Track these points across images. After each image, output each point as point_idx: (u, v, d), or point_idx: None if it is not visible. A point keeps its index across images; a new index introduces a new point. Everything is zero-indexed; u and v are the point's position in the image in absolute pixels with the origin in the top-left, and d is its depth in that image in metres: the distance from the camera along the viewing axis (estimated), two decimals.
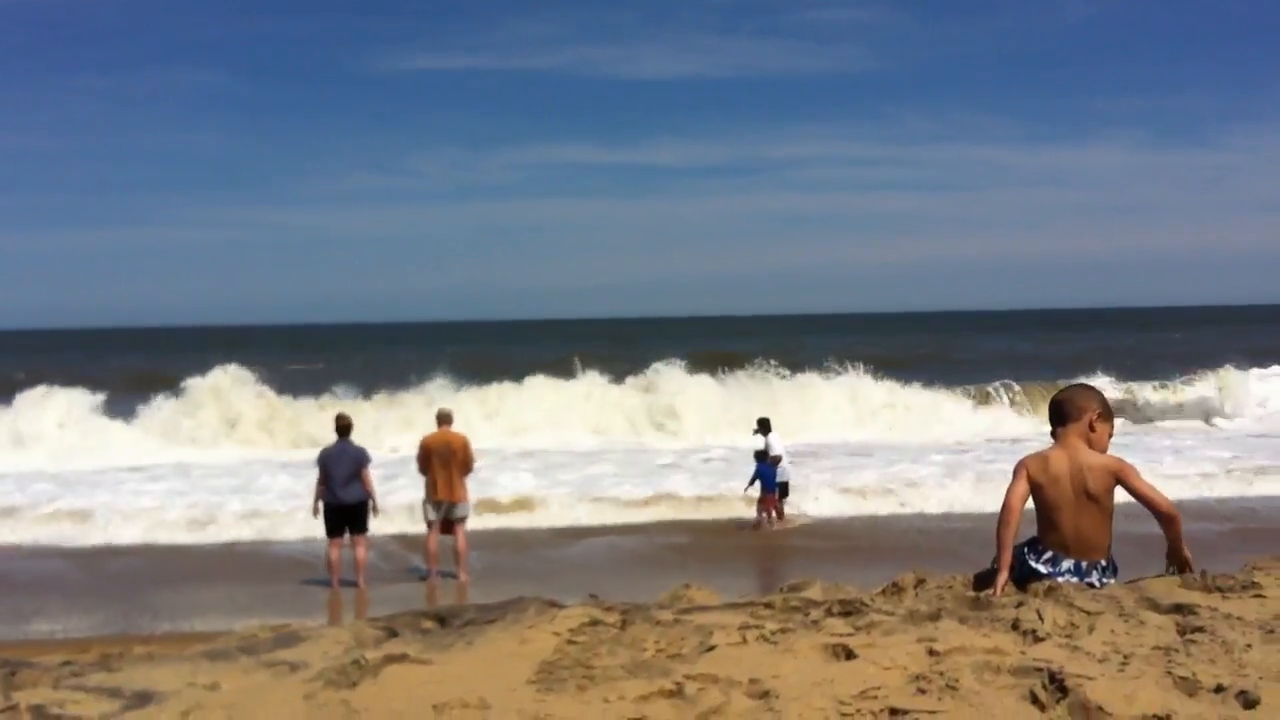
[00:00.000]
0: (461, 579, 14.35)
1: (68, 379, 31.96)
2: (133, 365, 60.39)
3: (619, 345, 70.88)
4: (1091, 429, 4.95)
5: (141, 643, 5.52)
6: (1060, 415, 5.01)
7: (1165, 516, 4.83)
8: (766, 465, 18.22)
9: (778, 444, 18.48)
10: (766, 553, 16.81)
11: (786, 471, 18.46)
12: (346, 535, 14.10)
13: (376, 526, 14.63)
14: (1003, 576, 4.85)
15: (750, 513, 18.25)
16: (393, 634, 4.72)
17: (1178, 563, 4.87)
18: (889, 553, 15.61)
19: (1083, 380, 6.35)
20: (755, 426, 18.92)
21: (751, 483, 18.34)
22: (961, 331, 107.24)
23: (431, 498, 14.42)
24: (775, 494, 18.13)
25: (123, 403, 30.53)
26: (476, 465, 14.92)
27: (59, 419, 28.44)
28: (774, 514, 18.04)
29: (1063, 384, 7.11)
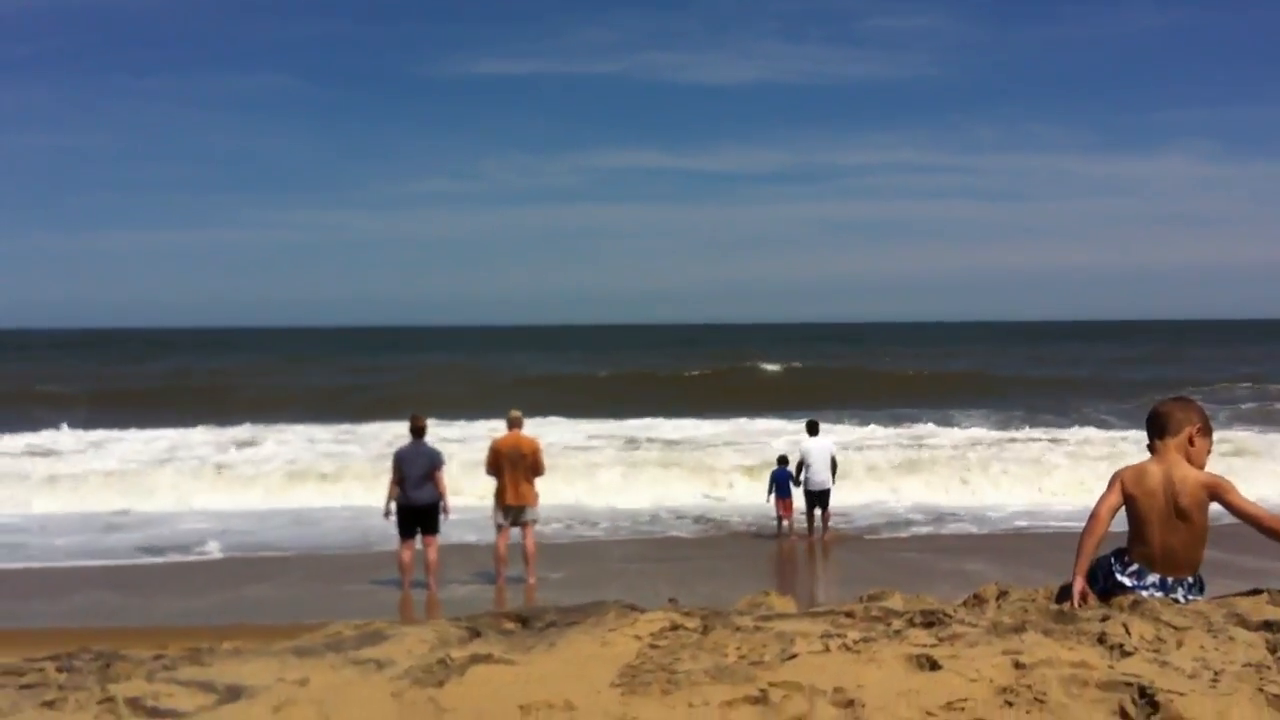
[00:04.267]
0: (530, 582, 14.43)
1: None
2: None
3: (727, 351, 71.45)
4: (1191, 443, 4.89)
5: (228, 637, 5.61)
6: (1159, 428, 4.94)
7: (1271, 531, 4.78)
8: (782, 470, 18.11)
9: (817, 448, 18.10)
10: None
11: (823, 479, 17.93)
12: (418, 536, 14.24)
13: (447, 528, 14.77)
14: (1078, 584, 4.80)
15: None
16: (476, 634, 4.76)
17: None
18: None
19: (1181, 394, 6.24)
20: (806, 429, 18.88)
21: (770, 489, 18.26)
22: (1050, 340, 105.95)
23: (501, 502, 14.50)
24: (788, 499, 18.00)
25: None
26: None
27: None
28: (790, 522, 17.93)
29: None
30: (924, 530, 18.61)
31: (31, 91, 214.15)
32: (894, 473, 22.47)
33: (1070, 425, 32.14)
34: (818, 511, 17.93)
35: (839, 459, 18.45)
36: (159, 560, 16.56)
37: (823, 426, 19.46)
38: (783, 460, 18.34)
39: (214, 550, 17.02)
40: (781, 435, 28.31)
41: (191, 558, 16.65)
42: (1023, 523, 18.98)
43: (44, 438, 29.55)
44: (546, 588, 14.25)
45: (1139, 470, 4.89)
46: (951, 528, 18.79)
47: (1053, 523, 18.40)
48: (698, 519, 19.75)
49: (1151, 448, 4.97)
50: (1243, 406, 37.87)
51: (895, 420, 33.83)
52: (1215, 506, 4.80)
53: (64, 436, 29.86)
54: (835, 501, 18.21)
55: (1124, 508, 4.90)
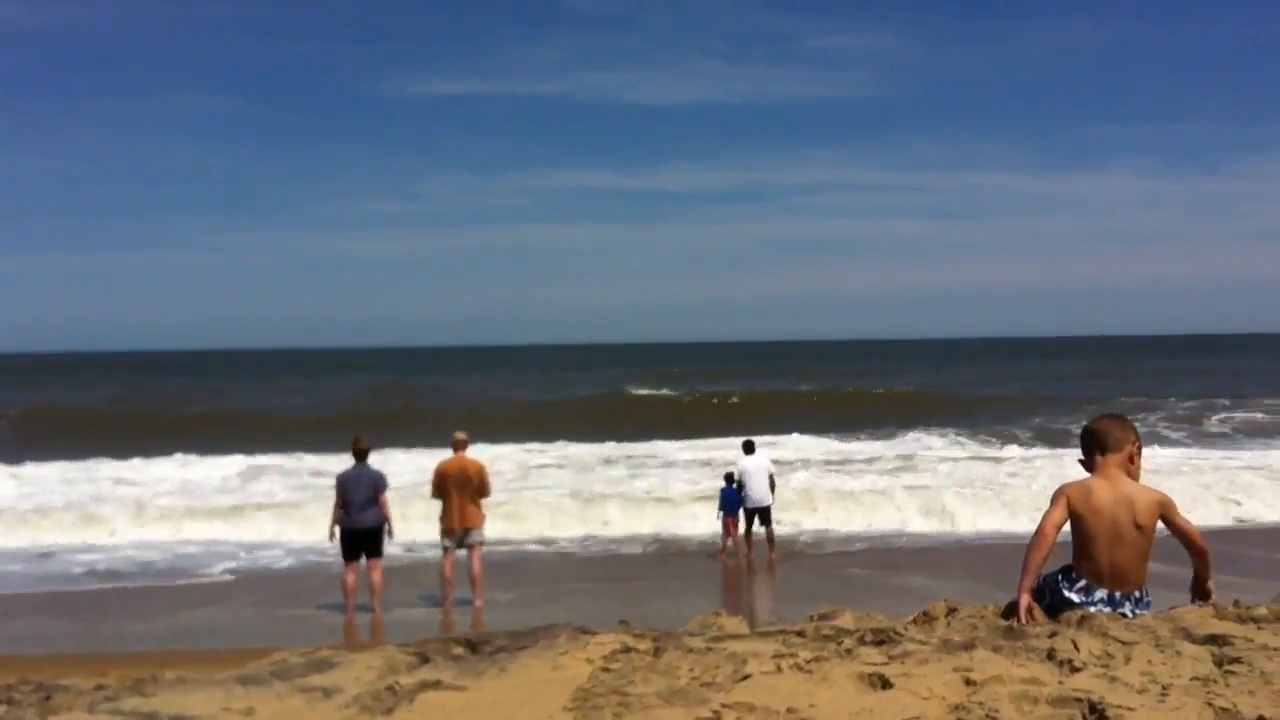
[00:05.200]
0: (477, 604, 14.33)
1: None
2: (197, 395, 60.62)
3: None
4: (1131, 460, 4.97)
5: (170, 665, 5.51)
6: (1101, 444, 5.00)
7: (1200, 551, 4.96)
8: (729, 489, 18.22)
9: (754, 467, 18.23)
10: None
11: (761, 496, 18.05)
12: (362, 559, 14.11)
13: (390, 549, 14.64)
14: (1024, 600, 4.84)
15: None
16: (425, 660, 4.71)
17: (1202, 595, 4.97)
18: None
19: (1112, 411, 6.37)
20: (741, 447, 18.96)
21: (721, 506, 18.34)
22: (991, 359, 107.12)
23: (446, 525, 14.40)
24: (735, 517, 18.09)
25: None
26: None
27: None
28: (734, 539, 18.03)
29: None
30: (866, 546, 18.71)
31: None
32: (826, 496, 22.46)
33: (1007, 444, 32.56)
34: (760, 529, 18.01)
35: (775, 476, 18.55)
36: (96, 586, 16.27)
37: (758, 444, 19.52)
38: (729, 478, 18.42)
39: (151, 578, 16.74)
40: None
41: (131, 584, 16.37)
42: (963, 537, 19.13)
43: None
44: (494, 609, 14.17)
45: (1084, 487, 4.94)
46: (894, 543, 18.90)
47: (995, 538, 18.58)
48: (643, 539, 19.71)
49: (1091, 464, 5.03)
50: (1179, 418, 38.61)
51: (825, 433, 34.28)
52: None
53: None
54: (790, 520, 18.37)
55: (1069, 524, 4.95)
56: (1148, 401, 44.50)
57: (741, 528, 18.07)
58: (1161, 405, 43.18)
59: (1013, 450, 30.89)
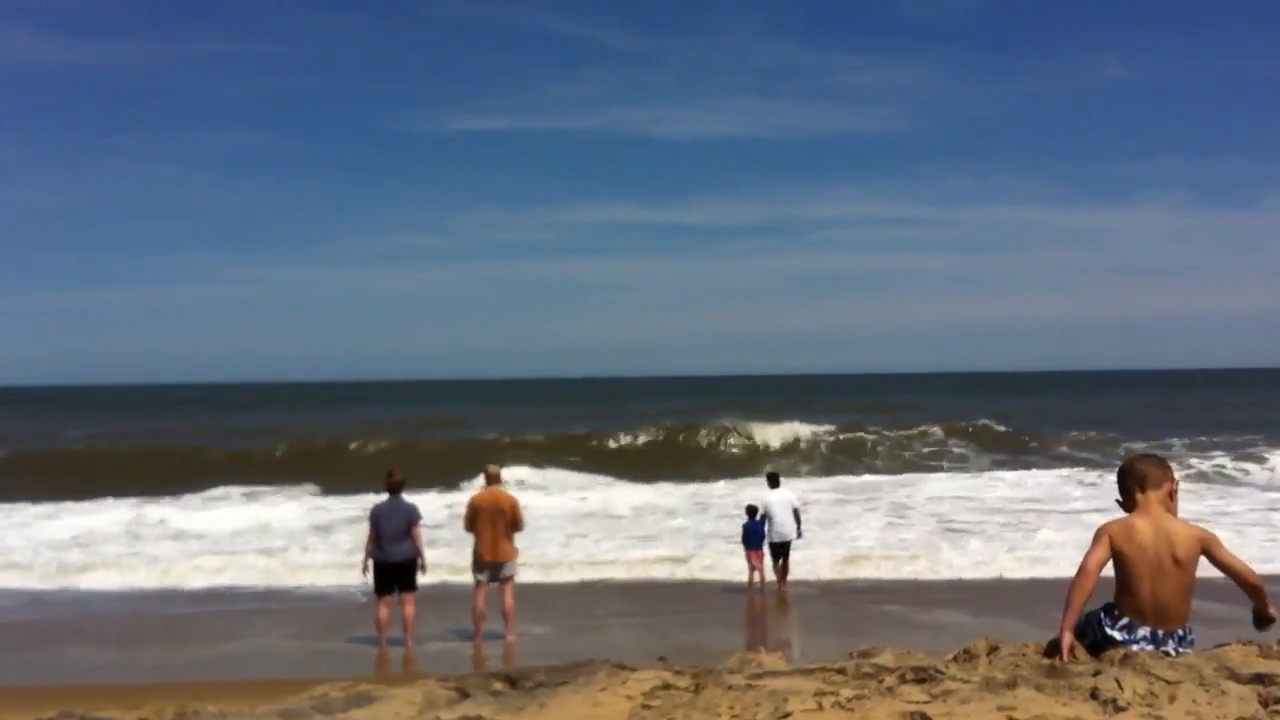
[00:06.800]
0: (509, 638, 14.31)
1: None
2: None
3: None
4: (1170, 497, 4.97)
5: (206, 697, 5.54)
6: (1141, 482, 5.01)
7: (1252, 586, 4.92)
8: (753, 522, 18.15)
9: (779, 500, 18.17)
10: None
11: (786, 530, 18.02)
12: (396, 592, 14.13)
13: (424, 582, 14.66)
14: (1067, 638, 4.82)
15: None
16: (464, 695, 4.73)
17: (1267, 622, 4.94)
18: None
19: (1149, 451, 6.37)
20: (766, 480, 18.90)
21: (743, 539, 18.27)
22: (1008, 393, 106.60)
23: (479, 559, 14.39)
24: (759, 550, 17.99)
25: None
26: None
27: None
28: (760, 573, 17.93)
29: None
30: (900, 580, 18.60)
31: (3, 149, 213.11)
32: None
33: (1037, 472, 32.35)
34: (780, 563, 17.99)
35: (800, 510, 18.50)
36: (128, 612, 16.38)
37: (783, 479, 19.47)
38: (751, 511, 18.37)
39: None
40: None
41: (166, 611, 16.47)
42: (997, 573, 18.97)
43: None
44: (526, 642, 14.14)
45: (1127, 525, 4.94)
46: (927, 579, 18.76)
47: (1028, 574, 18.44)
48: (671, 571, 19.65)
49: (1131, 503, 5.03)
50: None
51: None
52: None
53: None
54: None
55: (1111, 562, 4.94)
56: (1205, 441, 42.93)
57: (767, 561, 18.01)
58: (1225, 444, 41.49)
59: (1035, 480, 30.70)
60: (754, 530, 18.10)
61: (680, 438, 45.85)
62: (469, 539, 14.55)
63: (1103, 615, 4.93)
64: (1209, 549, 4.87)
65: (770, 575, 17.94)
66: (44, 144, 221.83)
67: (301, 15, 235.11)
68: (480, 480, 15.29)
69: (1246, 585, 4.93)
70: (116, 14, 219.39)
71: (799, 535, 18.18)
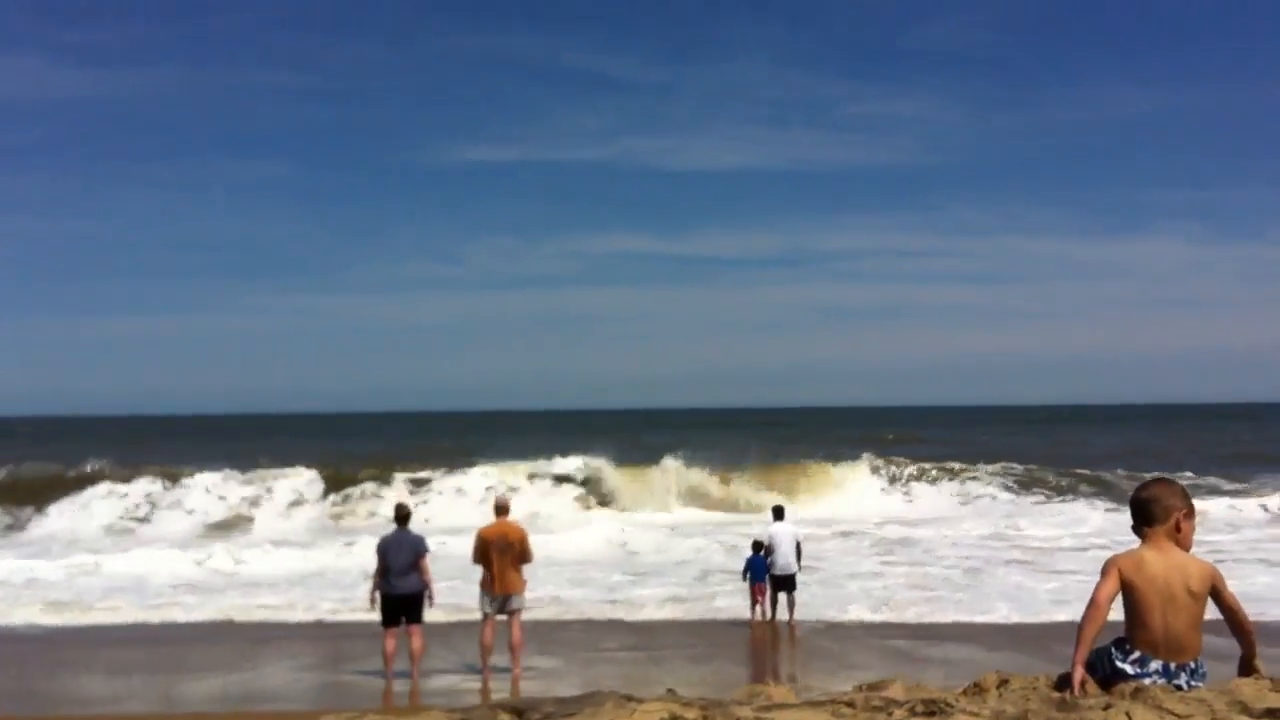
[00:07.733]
0: (515, 671, 14.23)
1: None
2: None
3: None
4: (1178, 529, 4.94)
5: None
6: (1147, 516, 4.98)
7: (1246, 631, 4.95)
8: (757, 556, 18.10)
9: (782, 533, 18.13)
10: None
11: (789, 563, 17.96)
12: (402, 624, 14.07)
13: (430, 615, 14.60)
14: (1078, 673, 4.79)
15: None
16: None
17: (1251, 673, 4.92)
18: None
19: (1161, 475, 6.34)
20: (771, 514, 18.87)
21: (745, 572, 18.23)
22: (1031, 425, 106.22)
23: (488, 591, 14.33)
24: (763, 584, 17.95)
25: None
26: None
27: None
28: (764, 607, 17.88)
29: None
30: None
31: (32, 179, 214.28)
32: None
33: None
34: (783, 596, 17.93)
35: (803, 544, 18.45)
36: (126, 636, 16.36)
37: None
38: (757, 546, 18.33)
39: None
40: None
41: (173, 644, 16.44)
42: (1008, 610, 18.86)
43: None
44: (532, 676, 14.07)
45: (1137, 558, 4.91)
46: (937, 614, 18.65)
47: (1042, 611, 18.33)
48: (676, 606, 19.57)
49: (1141, 535, 5.00)
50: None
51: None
52: None
53: None
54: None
55: (1121, 596, 4.91)
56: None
57: (769, 595, 17.96)
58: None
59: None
60: (757, 564, 18.07)
61: (693, 471, 45.49)
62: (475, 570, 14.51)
63: (1114, 649, 4.89)
64: (1217, 585, 4.86)
65: (782, 614, 17.85)
66: (73, 174, 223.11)
67: (318, 47, 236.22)
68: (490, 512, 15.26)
69: (1242, 631, 4.95)
70: (134, 46, 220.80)
71: (799, 569, 18.15)
